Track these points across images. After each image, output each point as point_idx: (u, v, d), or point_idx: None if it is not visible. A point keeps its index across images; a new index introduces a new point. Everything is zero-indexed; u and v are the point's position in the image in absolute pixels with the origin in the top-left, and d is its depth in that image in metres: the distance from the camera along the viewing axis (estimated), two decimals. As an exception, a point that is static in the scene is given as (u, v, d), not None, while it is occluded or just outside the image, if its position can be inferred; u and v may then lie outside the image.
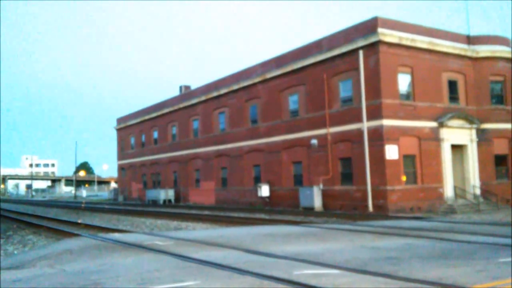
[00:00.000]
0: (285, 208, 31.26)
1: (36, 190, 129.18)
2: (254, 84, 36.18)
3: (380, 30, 26.12)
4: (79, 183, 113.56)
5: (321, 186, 29.18)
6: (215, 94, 40.99)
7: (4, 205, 55.59)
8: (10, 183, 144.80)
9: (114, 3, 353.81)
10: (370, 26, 26.74)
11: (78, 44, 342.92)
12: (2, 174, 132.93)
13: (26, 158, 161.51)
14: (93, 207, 42.14)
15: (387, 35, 26.29)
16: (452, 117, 28.20)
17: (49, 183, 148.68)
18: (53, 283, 7.85)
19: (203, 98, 42.87)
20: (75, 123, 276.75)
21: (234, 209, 33.03)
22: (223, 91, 39.86)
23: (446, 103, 28.86)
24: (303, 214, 26.76)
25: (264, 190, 33.60)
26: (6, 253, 14.91)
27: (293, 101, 32.78)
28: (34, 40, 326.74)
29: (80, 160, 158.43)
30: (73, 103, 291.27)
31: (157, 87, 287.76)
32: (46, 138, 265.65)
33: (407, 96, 27.45)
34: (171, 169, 49.37)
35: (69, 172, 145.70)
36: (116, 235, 15.32)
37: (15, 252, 15.09)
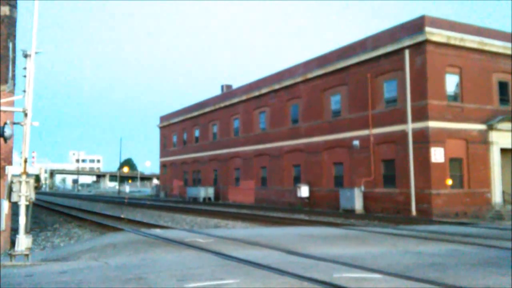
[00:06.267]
0: (324, 210, 30.93)
1: (82, 185, 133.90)
2: (295, 84, 36.00)
3: (427, 29, 25.39)
4: (122, 179, 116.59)
5: (362, 188, 28.69)
6: (256, 93, 41.10)
7: (52, 199, 57.85)
8: (58, 177, 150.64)
9: (161, 4, 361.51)
10: (417, 25, 26.05)
11: (124, 44, 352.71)
12: (50, 168, 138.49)
13: (73, 154, 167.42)
14: (135, 203, 43.14)
15: (435, 34, 25.54)
16: (502, 120, 27.15)
17: (94, 178, 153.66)
18: (97, 276, 8.05)
19: (244, 97, 43.07)
20: (120, 121, 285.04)
21: (273, 209, 32.98)
22: (264, 90, 39.90)
23: (496, 105, 27.82)
24: (343, 216, 26.39)
25: (304, 191, 33.37)
26: (53, 245, 15.48)
27: (335, 101, 32.38)
28: (81, 41, 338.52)
29: (124, 157, 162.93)
30: (119, 102, 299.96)
31: (200, 87, 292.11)
32: (93, 135, 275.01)
33: (455, 98, 26.61)
34: (212, 167, 49.89)
35: (113, 168, 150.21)
36: (158, 231, 15.58)
37: (61, 244, 15.63)
